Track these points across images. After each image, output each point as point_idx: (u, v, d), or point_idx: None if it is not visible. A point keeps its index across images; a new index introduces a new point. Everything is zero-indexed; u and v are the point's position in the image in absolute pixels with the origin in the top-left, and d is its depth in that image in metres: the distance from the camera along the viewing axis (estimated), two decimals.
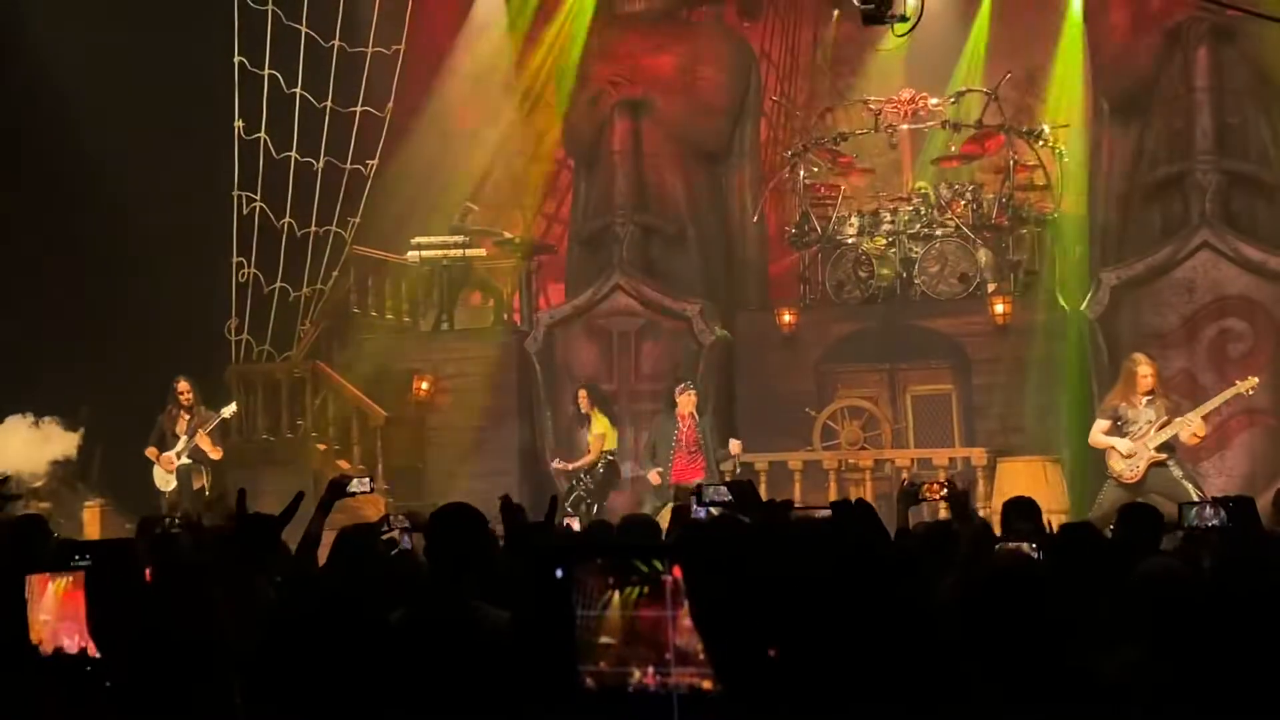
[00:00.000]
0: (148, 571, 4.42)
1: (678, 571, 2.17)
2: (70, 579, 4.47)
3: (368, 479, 6.34)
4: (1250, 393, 11.46)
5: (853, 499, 12.93)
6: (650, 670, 2.21)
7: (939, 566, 5.03)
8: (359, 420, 14.98)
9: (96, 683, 4.01)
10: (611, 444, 14.04)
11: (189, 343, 14.40)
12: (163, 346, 14.06)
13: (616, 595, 2.24)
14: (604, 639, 2.27)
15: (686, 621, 2.17)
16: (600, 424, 14.06)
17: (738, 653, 2.04)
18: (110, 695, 3.87)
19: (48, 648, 4.44)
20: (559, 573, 2.25)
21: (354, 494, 6.10)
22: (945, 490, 6.10)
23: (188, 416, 13.03)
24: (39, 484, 13.48)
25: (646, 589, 2.23)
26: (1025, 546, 5.26)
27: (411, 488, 14.76)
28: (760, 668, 2.00)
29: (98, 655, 4.23)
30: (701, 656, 2.15)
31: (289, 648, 3.25)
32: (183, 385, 13.12)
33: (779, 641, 2.00)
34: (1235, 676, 2.97)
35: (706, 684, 2.15)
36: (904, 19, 7.68)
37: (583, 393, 14.16)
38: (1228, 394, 11.43)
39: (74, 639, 4.40)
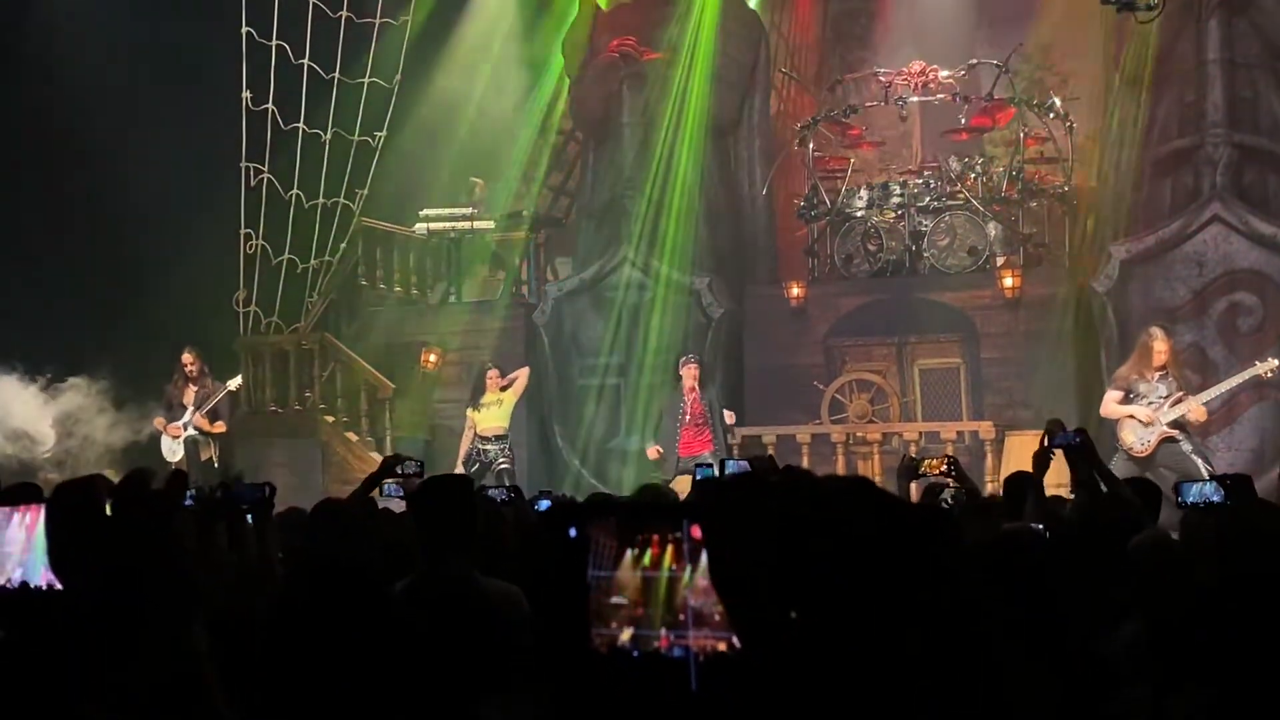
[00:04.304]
0: (107, 504, 4.41)
1: (695, 531, 2.15)
2: (34, 510, 4.50)
3: (419, 461, 6.22)
4: (1269, 375, 11.37)
5: (860, 472, 13.03)
6: (664, 632, 2.19)
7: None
8: (367, 392, 14.98)
9: (61, 615, 4.00)
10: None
11: (197, 314, 14.39)
12: (171, 318, 14.05)
13: (630, 555, 2.22)
14: (616, 599, 2.25)
15: (703, 582, 2.15)
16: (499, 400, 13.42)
17: (760, 614, 2.02)
18: (73, 628, 3.86)
19: (14, 581, 4.44)
20: (572, 531, 2.23)
21: (404, 475, 6.09)
22: (946, 466, 6.09)
23: (195, 388, 13.01)
24: (47, 453, 13.48)
25: (661, 548, 2.21)
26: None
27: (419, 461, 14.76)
28: (783, 629, 1.98)
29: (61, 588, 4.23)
30: (718, 618, 2.13)
31: (296, 621, 3.23)
32: (187, 357, 13.09)
33: (802, 603, 1.98)
34: (1237, 651, 2.94)
35: (722, 645, 2.13)
36: (1150, 7, 7.97)
37: (494, 372, 13.46)
38: (1246, 374, 11.33)
39: (40, 571, 4.40)
